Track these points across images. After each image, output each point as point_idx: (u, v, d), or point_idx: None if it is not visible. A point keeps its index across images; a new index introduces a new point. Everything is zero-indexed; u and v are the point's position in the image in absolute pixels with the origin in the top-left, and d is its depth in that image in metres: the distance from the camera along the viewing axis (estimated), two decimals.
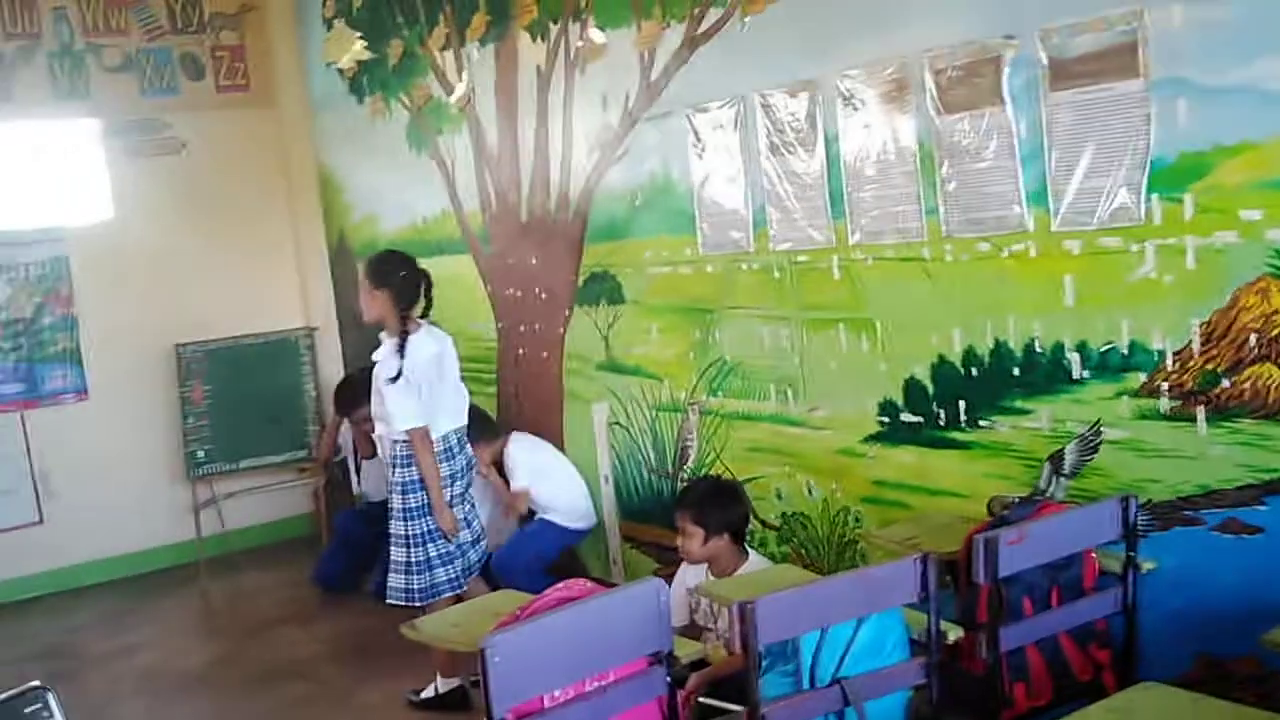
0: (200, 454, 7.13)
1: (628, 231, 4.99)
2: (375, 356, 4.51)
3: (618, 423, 5.29)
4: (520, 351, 5.92)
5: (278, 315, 7.62)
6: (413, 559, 4.48)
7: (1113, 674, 3.14)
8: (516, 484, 5.40)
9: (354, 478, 6.60)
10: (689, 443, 4.85)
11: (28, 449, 6.98)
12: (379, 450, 4.78)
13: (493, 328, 6.08)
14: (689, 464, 4.87)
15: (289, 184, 7.75)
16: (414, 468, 4.42)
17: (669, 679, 2.78)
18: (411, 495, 4.45)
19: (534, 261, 5.66)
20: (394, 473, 4.49)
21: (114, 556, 7.17)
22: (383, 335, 4.49)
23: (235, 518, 7.35)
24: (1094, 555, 3.14)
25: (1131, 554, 3.08)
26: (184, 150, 7.39)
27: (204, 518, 7.04)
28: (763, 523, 4.49)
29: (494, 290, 6.04)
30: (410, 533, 4.47)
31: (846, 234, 3.92)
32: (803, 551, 4.35)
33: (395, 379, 4.34)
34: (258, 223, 7.65)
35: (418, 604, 4.48)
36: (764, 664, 2.70)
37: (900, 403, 3.85)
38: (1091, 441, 3.30)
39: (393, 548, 4.54)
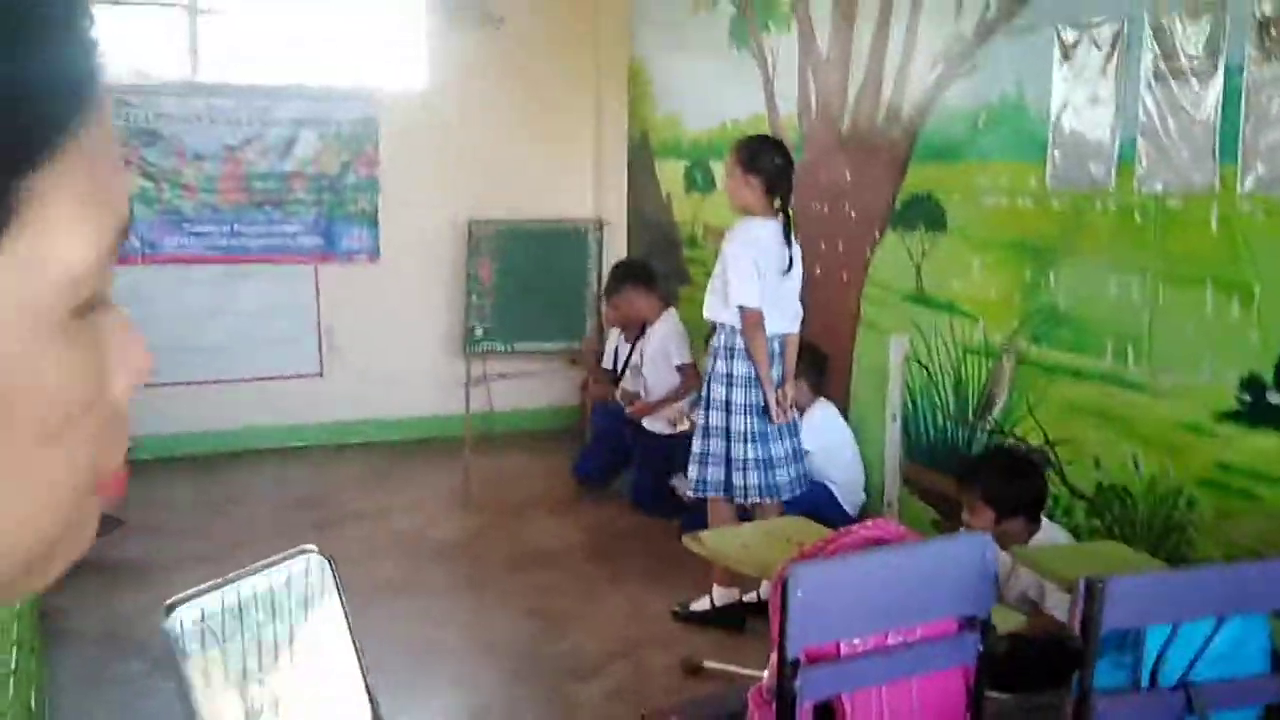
0: (479, 330, 7.13)
1: (963, 154, 4.57)
2: (730, 234, 4.38)
3: (916, 359, 4.92)
4: (817, 271, 5.58)
5: (570, 204, 7.53)
6: (714, 450, 4.35)
7: None
8: (808, 444, 5.11)
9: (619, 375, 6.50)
10: (998, 391, 4.44)
11: (318, 302, 7.13)
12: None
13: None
14: (993, 414, 4.47)
15: (599, 70, 7.60)
16: (737, 359, 4.29)
17: (981, 648, 2.46)
18: (729, 388, 4.31)
19: (848, 176, 5.31)
20: (715, 363, 4.37)
21: (384, 418, 7.30)
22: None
23: (504, 399, 7.35)
24: None
25: None
26: (501, 24, 7.31)
27: (474, 394, 7.05)
28: (1072, 490, 4.07)
29: (798, 203, 5.71)
30: (717, 424, 4.34)
31: (1236, 180, 3.41)
32: (1115, 530, 3.91)
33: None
34: (563, 107, 7.54)
35: (706, 495, 4.40)
36: (1098, 650, 2.35)
37: (1269, 379, 3.36)
38: None
39: (696, 438, 4.43)
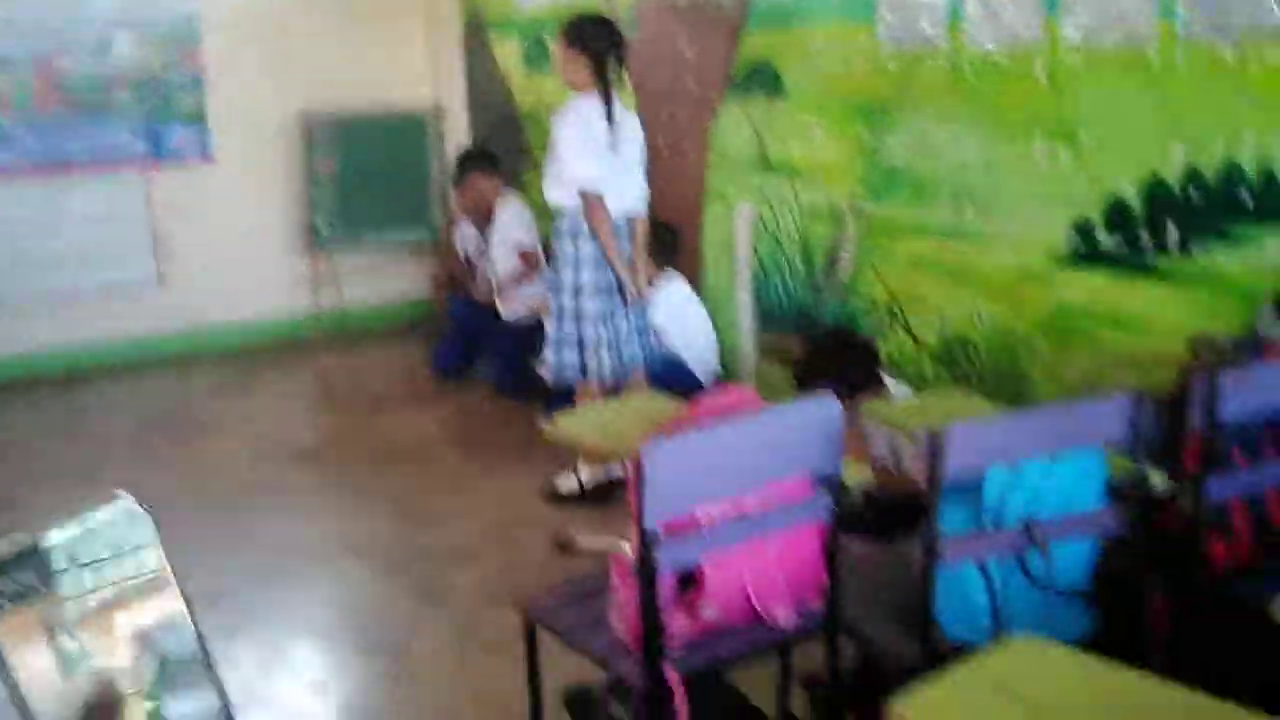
0: (323, 226, 6.96)
1: (795, 18, 4.55)
2: (559, 115, 4.33)
3: (763, 225, 4.95)
4: (661, 143, 5.55)
5: (408, 91, 7.33)
6: (566, 334, 4.36)
7: None
8: (661, 319, 5.12)
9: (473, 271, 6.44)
10: (843, 252, 4.50)
11: (150, 209, 6.85)
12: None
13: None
14: (841, 274, 4.53)
15: None
16: (581, 241, 4.26)
17: (834, 505, 2.52)
18: (577, 271, 4.29)
19: (685, 47, 5.26)
20: (561, 245, 4.34)
21: (231, 323, 7.11)
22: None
23: (355, 295, 7.22)
24: None
25: None
26: None
27: (323, 292, 6.91)
28: (920, 343, 4.17)
29: (637, 76, 5.65)
30: (568, 307, 4.33)
31: (1059, 32, 3.47)
32: (962, 379, 4.02)
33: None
34: None
35: (567, 380, 4.41)
36: (943, 496, 2.42)
37: (1098, 223, 3.46)
38: None
39: (549, 323, 4.45)
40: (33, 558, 0.67)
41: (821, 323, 4.66)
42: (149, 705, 0.73)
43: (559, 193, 4.30)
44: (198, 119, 6.89)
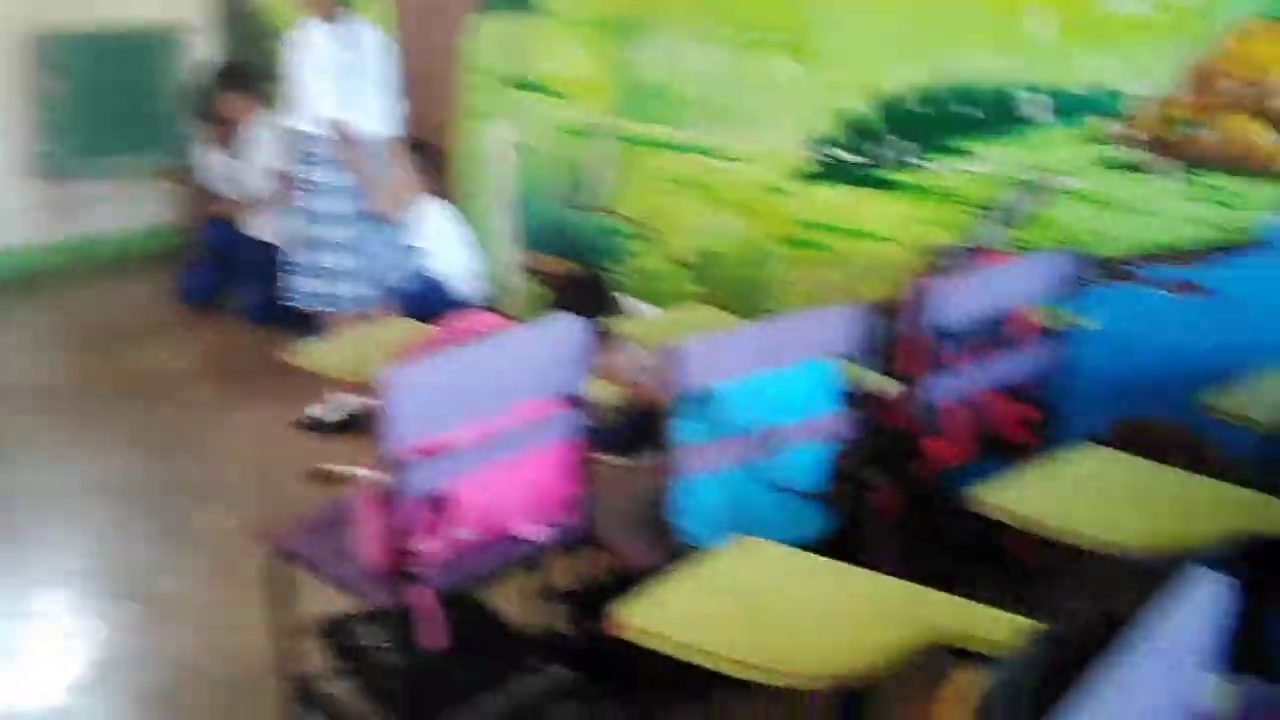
0: (58, 151, 6.56)
1: None
2: (292, 41, 4.20)
3: (521, 145, 4.93)
4: (415, 63, 5.43)
5: (148, 6, 6.92)
6: (308, 262, 4.27)
7: (1035, 433, 3.02)
8: (421, 243, 5.05)
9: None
10: (599, 171, 4.53)
11: None
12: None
13: (391, 32, 5.57)
14: (597, 192, 4.57)
15: None
16: (325, 167, 4.15)
17: (580, 420, 2.57)
18: (319, 197, 4.19)
19: None
20: (304, 172, 4.22)
21: None
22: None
23: (95, 224, 6.84)
24: (1030, 310, 2.97)
25: (1068, 311, 2.92)
26: None
27: (61, 221, 6.54)
28: (674, 260, 4.25)
29: None
30: (309, 234, 4.24)
31: None
32: (715, 292, 4.13)
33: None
34: None
35: (309, 308, 4.33)
36: (683, 408, 2.50)
37: (835, 138, 3.58)
38: (1040, 191, 3.09)
39: (292, 250, 4.35)
40: None
41: (581, 241, 4.69)
42: None
43: (298, 118, 4.19)
44: None
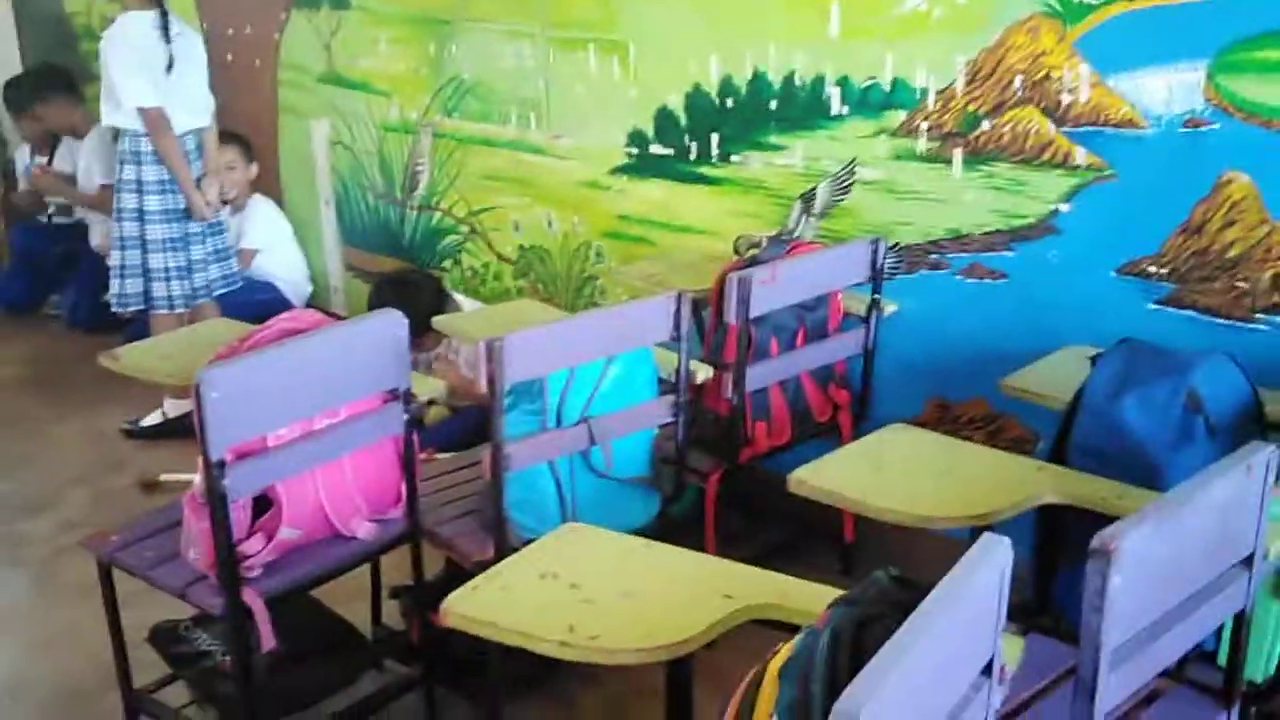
0: None
1: None
2: (107, 35, 4.09)
3: (340, 142, 4.90)
4: (229, 57, 5.34)
5: None
6: (130, 263, 4.18)
7: (849, 415, 3.17)
8: (248, 243, 4.97)
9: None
10: (420, 167, 4.54)
11: None
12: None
13: (197, 28, 5.45)
14: (420, 190, 4.57)
15: None
16: (145, 165, 4.08)
17: (406, 416, 2.60)
18: (140, 195, 4.10)
19: None
20: (123, 170, 4.13)
21: None
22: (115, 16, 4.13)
23: None
24: (840, 297, 3.11)
25: (876, 297, 3.06)
26: None
27: None
28: (499, 256, 4.29)
29: None
30: (131, 234, 4.15)
31: None
32: (540, 286, 4.19)
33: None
34: None
35: (132, 310, 4.26)
36: (508, 402, 2.55)
37: (650, 133, 3.67)
38: (845, 181, 3.23)
39: (113, 250, 4.23)
40: None
41: (405, 239, 4.69)
42: None
43: (116, 116, 4.10)
44: None
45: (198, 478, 2.43)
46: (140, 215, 4.10)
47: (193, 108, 4.18)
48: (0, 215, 6.38)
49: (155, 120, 4.01)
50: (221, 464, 2.28)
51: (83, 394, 4.87)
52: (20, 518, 3.90)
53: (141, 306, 4.24)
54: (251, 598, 2.40)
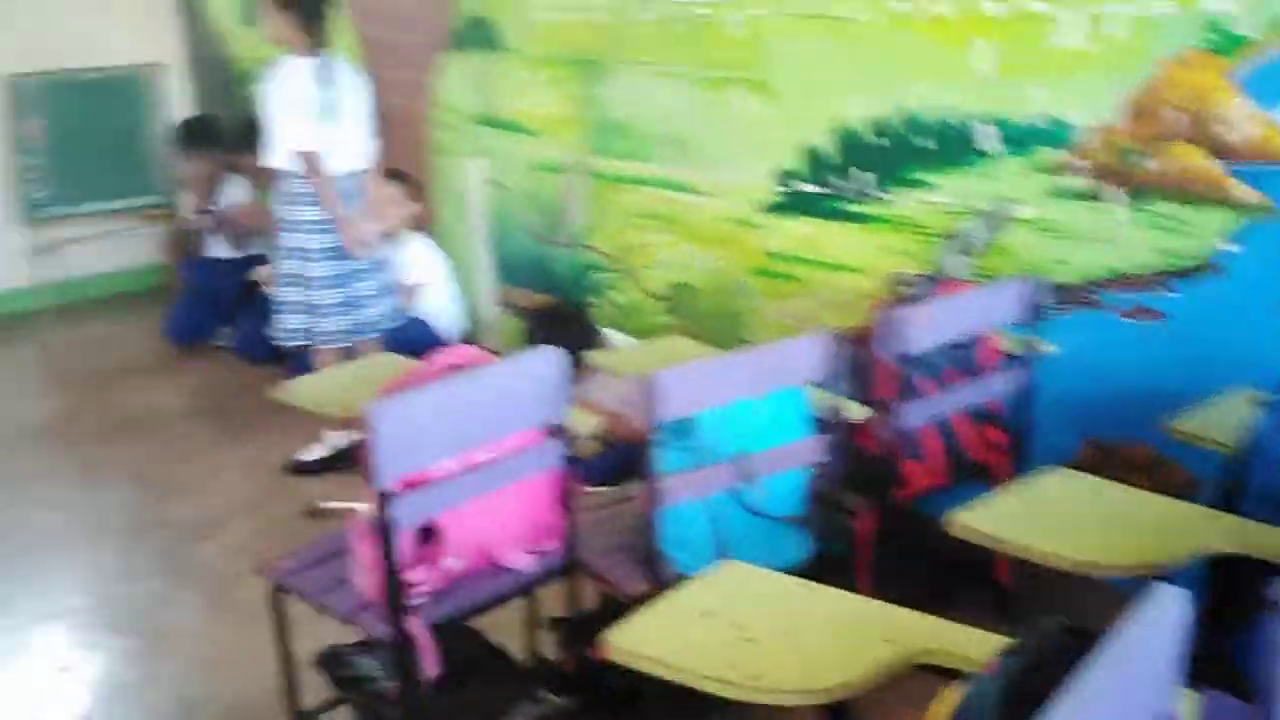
0: (38, 195, 6.62)
1: None
2: (267, 77, 4.24)
3: (495, 181, 5.03)
4: (386, 101, 5.53)
5: (121, 49, 7.00)
6: (292, 299, 4.33)
7: (1005, 456, 3.13)
8: (408, 280, 5.14)
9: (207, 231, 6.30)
10: (571, 206, 4.64)
11: None
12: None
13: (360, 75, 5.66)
14: (571, 228, 4.67)
15: None
16: (304, 205, 4.21)
17: (564, 451, 2.66)
18: (302, 235, 4.24)
19: (406, 1, 5.25)
20: (284, 210, 4.28)
21: None
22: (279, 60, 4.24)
23: (78, 266, 6.90)
24: (995, 336, 3.09)
25: (1033, 336, 3.03)
26: None
27: (44, 264, 6.59)
28: (648, 293, 4.36)
29: (360, 31, 5.61)
30: (293, 272, 4.29)
31: None
32: (687, 323, 4.23)
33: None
34: None
35: (300, 344, 4.39)
36: (663, 438, 2.59)
37: (800, 171, 3.70)
38: (999, 220, 3.21)
39: (278, 288, 4.40)
40: None
41: (557, 275, 4.79)
42: None
43: (275, 156, 4.24)
44: None
45: (365, 506, 2.53)
46: (302, 253, 4.26)
47: (352, 150, 4.33)
48: (173, 251, 6.69)
49: (311, 161, 4.17)
50: (389, 494, 2.36)
51: (248, 423, 5.07)
52: (191, 542, 4.07)
53: (305, 342, 4.39)
54: (416, 625, 2.48)
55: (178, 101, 7.02)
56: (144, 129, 6.90)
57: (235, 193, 6.15)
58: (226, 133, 6.25)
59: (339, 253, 4.28)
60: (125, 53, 7.00)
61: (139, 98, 6.89)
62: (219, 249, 6.27)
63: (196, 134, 6.25)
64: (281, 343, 4.45)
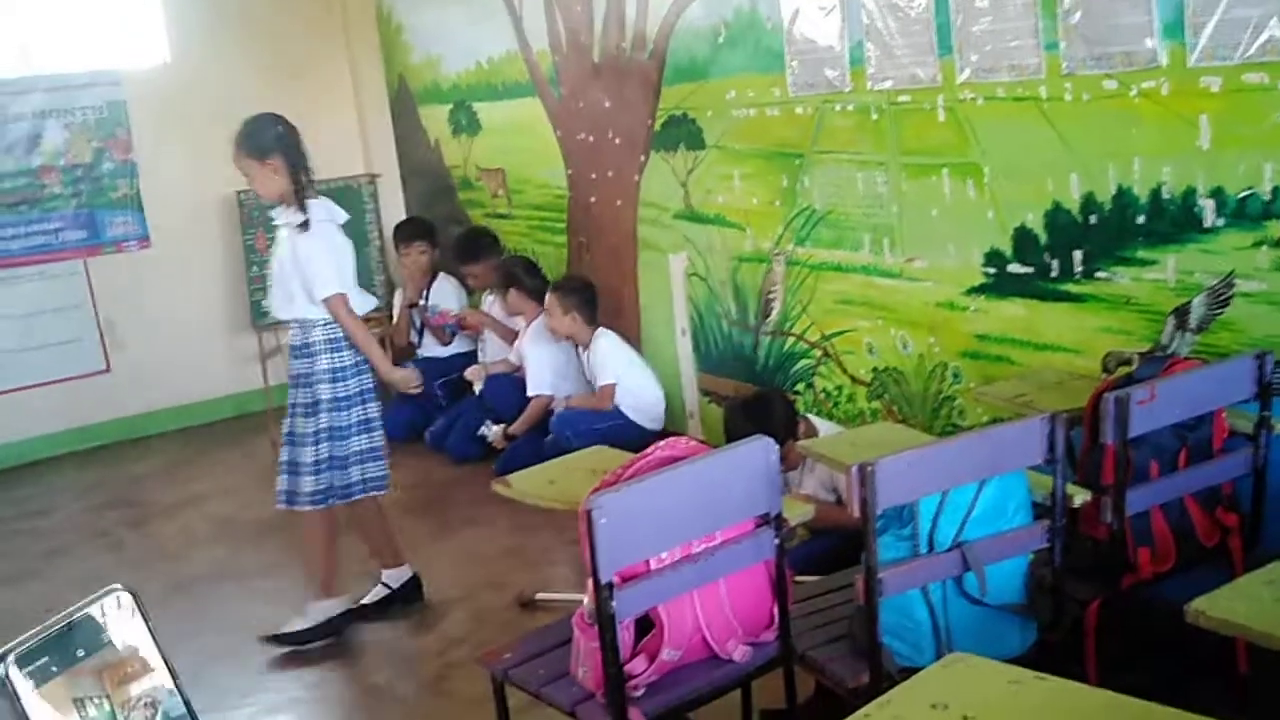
0: (265, 303, 6.99)
1: (709, 71, 4.73)
2: (280, 230, 4.09)
3: (696, 274, 5.11)
4: (592, 200, 5.71)
5: (339, 162, 7.40)
6: (332, 454, 4.10)
7: (1239, 539, 2.98)
8: (604, 380, 5.26)
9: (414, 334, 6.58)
10: (773, 295, 4.67)
11: (92, 297, 6.90)
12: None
13: (562, 175, 5.87)
14: (773, 317, 4.70)
15: (346, 19, 7.47)
16: (339, 352, 4.04)
17: (777, 540, 2.66)
18: (339, 383, 4.06)
19: (607, 105, 5.42)
20: (315, 360, 4.04)
21: (180, 405, 7.15)
22: (275, 213, 4.11)
23: None
24: (1224, 415, 2.96)
25: (1266, 414, 2.89)
26: None
27: (270, 367, 6.97)
28: (852, 379, 4.34)
29: (564, 135, 5.81)
30: (337, 425, 4.08)
31: (954, 71, 3.66)
32: (895, 408, 4.19)
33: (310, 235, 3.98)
34: (315, 63, 7.39)
35: (336, 501, 4.15)
36: (879, 526, 2.57)
37: (1008, 253, 3.65)
38: (1222, 294, 3.10)
39: (304, 447, 4.08)
40: (67, 635, 0.83)
41: (759, 364, 4.82)
42: None
43: (302, 307, 4.03)
44: (133, 203, 6.96)
45: (585, 599, 2.57)
46: (346, 401, 4.11)
47: (358, 293, 4.18)
48: (392, 353, 6.98)
49: (341, 305, 4.03)
50: (610, 586, 2.40)
51: (460, 517, 5.21)
52: (414, 633, 4.20)
53: (345, 499, 4.18)
54: (636, 717, 2.49)
55: (394, 208, 7.38)
56: (363, 236, 7.25)
57: (445, 290, 6.41)
58: (434, 230, 6.58)
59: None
60: (345, 163, 7.41)
61: (358, 207, 7.25)
62: (431, 348, 6.52)
63: (413, 228, 6.56)
64: (299, 508, 4.22)
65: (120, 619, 0.88)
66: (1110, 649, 2.93)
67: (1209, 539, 2.97)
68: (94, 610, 0.86)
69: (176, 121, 6.92)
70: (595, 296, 5.38)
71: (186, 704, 0.89)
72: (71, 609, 0.85)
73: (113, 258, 6.95)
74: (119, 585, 0.88)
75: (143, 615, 0.89)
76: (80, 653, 0.85)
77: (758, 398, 4.27)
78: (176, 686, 0.89)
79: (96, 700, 0.84)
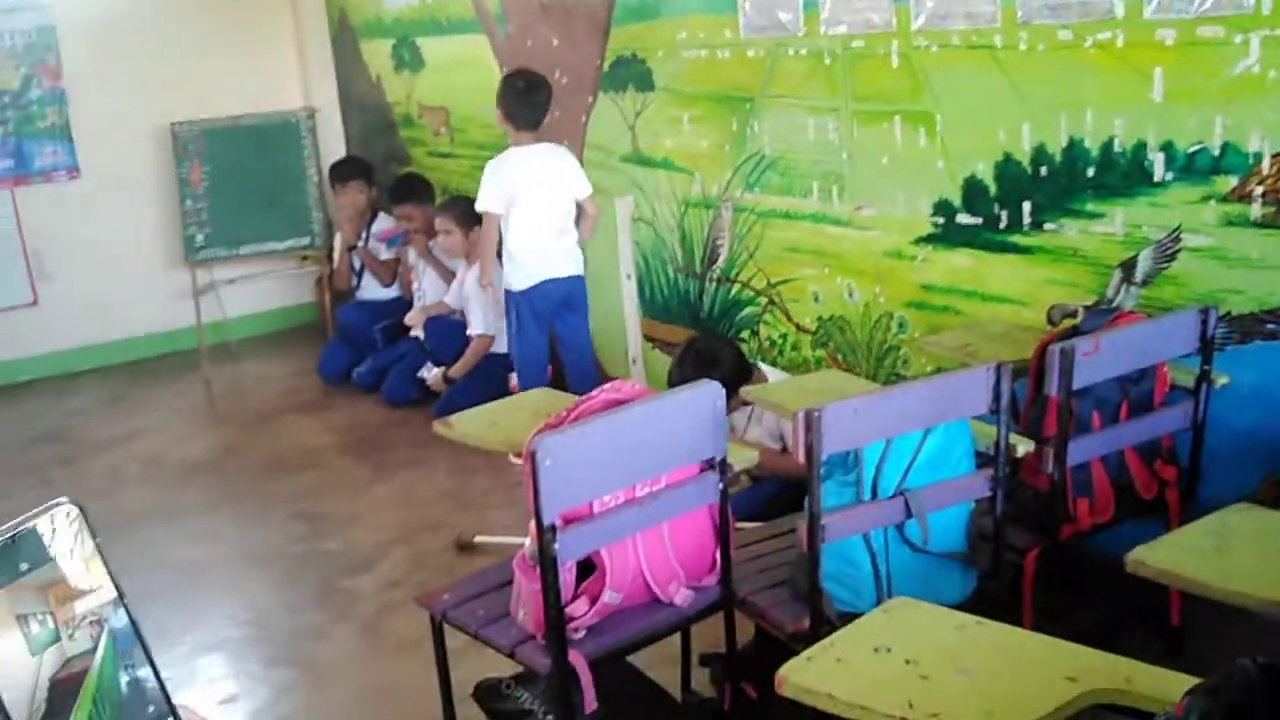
0: (199, 238, 6.87)
1: (659, 11, 4.66)
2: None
3: (642, 219, 5.06)
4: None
5: (278, 96, 7.26)
6: None
7: (1177, 492, 3.01)
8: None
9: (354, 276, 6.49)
10: (720, 241, 4.63)
11: (19, 227, 6.72)
12: None
13: None
14: (719, 263, 4.67)
15: None
16: None
17: (722, 485, 2.64)
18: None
19: (555, 43, 5.33)
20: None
21: (111, 341, 7.01)
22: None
23: (235, 305, 7.16)
24: (1166, 369, 2.98)
25: (1207, 368, 2.92)
26: None
27: (204, 304, 6.84)
28: (797, 326, 4.32)
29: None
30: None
31: (909, 18, 3.62)
32: (839, 357, 4.19)
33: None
34: None
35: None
36: (824, 472, 2.55)
37: (957, 203, 3.63)
38: (1169, 249, 3.11)
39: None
40: (10, 548, 0.79)
41: (704, 310, 4.79)
42: (103, 680, 0.84)
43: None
44: (62, 133, 6.77)
45: (527, 540, 2.54)
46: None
47: None
48: (327, 293, 6.89)
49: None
50: (553, 528, 2.37)
51: (398, 459, 5.17)
52: (347, 574, 4.15)
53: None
54: (576, 659, 2.48)
55: (333, 144, 7.24)
56: (301, 173, 7.12)
57: (384, 226, 6.32)
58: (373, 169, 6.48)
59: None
60: (283, 99, 7.26)
61: (296, 143, 7.11)
62: (372, 291, 6.43)
63: (350, 168, 6.44)
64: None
65: (67, 534, 0.84)
66: (1047, 598, 2.96)
67: (1147, 491, 3.01)
68: (40, 524, 0.82)
69: (109, 49, 6.75)
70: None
71: (133, 623, 0.86)
72: (15, 521, 0.81)
73: (41, 188, 6.77)
74: (65, 499, 0.84)
75: (90, 532, 0.84)
76: (24, 566, 0.80)
77: (705, 345, 4.24)
78: (123, 605, 0.86)
79: (40, 617, 0.80)
